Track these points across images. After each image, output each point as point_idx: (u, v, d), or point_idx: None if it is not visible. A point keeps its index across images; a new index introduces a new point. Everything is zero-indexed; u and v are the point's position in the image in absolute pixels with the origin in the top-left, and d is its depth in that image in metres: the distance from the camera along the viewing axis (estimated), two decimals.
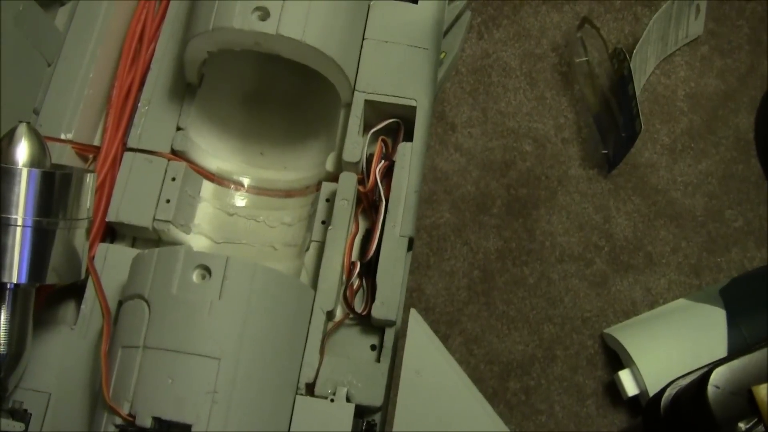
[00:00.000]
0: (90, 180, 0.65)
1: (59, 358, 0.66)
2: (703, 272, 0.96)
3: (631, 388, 0.89)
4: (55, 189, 0.61)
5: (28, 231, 0.60)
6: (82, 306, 0.67)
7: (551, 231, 0.97)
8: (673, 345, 0.90)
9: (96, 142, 0.74)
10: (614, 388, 0.91)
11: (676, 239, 0.97)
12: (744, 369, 0.59)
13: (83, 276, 0.66)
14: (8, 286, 0.61)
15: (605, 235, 0.97)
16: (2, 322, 0.62)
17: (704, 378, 0.59)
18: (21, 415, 0.64)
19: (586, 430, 0.91)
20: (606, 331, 0.93)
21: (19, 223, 0.60)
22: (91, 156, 0.72)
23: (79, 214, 0.63)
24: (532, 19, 1.05)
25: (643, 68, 1.00)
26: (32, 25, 0.70)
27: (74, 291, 0.70)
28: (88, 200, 0.65)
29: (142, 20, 0.75)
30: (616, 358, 0.93)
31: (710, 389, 0.58)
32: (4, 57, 0.66)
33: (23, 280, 0.60)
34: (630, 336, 0.91)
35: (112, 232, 0.72)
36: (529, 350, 0.93)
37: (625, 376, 0.90)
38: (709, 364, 0.59)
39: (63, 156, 0.70)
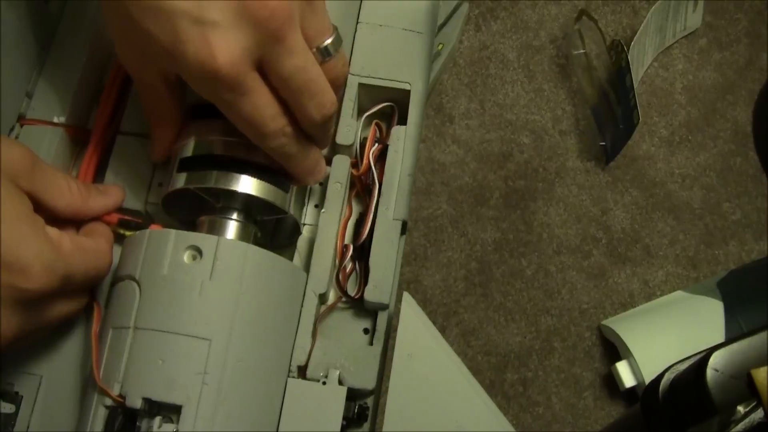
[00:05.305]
0: None
1: (51, 340, 0.65)
2: (700, 265, 0.96)
3: (628, 380, 0.89)
4: None
5: None
6: None
7: (549, 223, 0.97)
8: (670, 337, 0.89)
9: (90, 127, 0.73)
10: (612, 380, 0.91)
11: (673, 231, 0.97)
12: (743, 352, 0.58)
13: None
14: None
15: (603, 227, 0.97)
16: None
17: (703, 361, 0.58)
18: (12, 397, 0.63)
19: (583, 422, 0.90)
20: (603, 322, 0.93)
21: None
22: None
23: None
24: (530, 11, 1.05)
25: (641, 60, 1.00)
26: (25, 8, 0.69)
27: None
28: None
29: None
30: (613, 350, 0.92)
31: (709, 372, 0.57)
32: None
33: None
34: (627, 328, 0.91)
35: None
36: (527, 342, 0.93)
37: (622, 368, 0.89)
38: (708, 348, 0.58)
39: (56, 140, 0.69)
